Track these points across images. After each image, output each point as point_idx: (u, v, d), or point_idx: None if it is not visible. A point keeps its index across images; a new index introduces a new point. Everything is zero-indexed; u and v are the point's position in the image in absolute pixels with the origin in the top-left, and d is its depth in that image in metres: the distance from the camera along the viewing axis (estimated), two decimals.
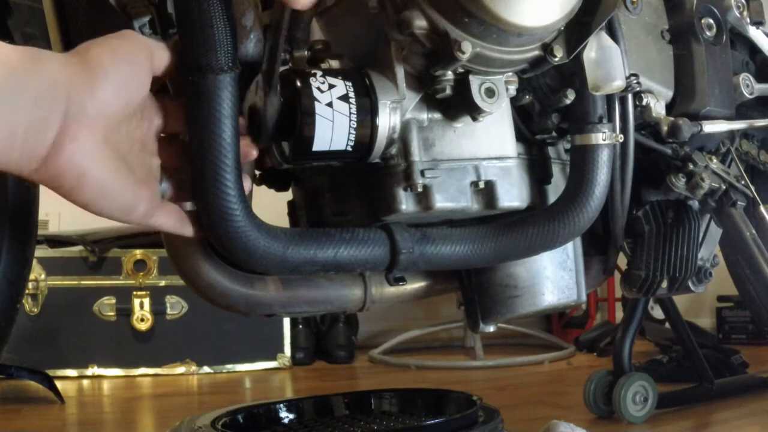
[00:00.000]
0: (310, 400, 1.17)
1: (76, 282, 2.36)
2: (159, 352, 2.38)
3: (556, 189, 0.91)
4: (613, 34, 0.89)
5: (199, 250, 0.78)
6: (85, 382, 2.24)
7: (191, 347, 2.40)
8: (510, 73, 0.80)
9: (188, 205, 0.70)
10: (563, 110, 0.90)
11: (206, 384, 2.23)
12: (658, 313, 2.51)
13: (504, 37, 0.75)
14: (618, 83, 0.84)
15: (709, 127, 1.06)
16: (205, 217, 0.69)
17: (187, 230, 0.70)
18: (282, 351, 2.48)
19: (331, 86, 0.73)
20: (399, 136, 0.78)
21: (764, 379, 1.77)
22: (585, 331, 2.86)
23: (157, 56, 0.64)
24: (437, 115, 0.82)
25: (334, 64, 0.79)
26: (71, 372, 2.29)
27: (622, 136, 0.91)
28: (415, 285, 0.95)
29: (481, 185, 0.83)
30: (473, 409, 1.05)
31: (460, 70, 0.77)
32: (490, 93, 0.79)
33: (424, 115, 0.81)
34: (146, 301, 2.38)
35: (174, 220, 0.69)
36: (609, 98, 0.91)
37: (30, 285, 2.26)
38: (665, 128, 1.02)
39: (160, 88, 0.67)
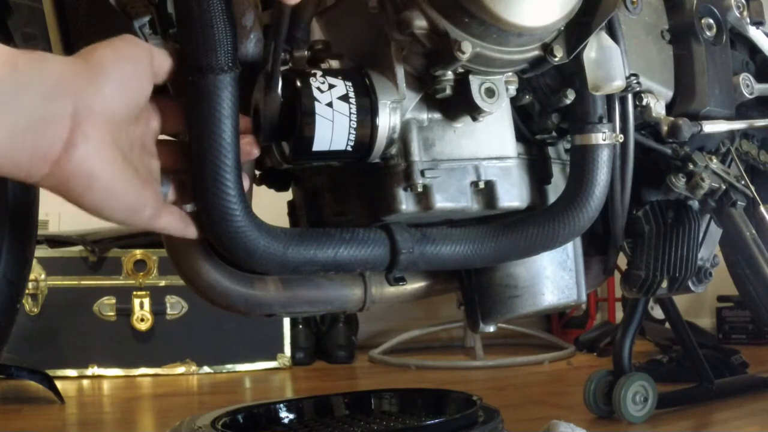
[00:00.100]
0: (310, 400, 1.17)
1: (76, 282, 2.36)
2: (159, 352, 2.38)
3: (556, 189, 0.91)
4: (613, 34, 0.89)
5: (199, 250, 0.78)
6: (85, 382, 2.24)
7: (191, 347, 2.40)
8: (510, 73, 0.80)
9: (188, 207, 0.70)
10: (563, 110, 0.90)
11: (206, 384, 2.23)
12: (658, 313, 2.51)
13: (504, 37, 0.75)
14: (618, 83, 0.84)
15: (709, 127, 1.06)
16: (205, 217, 0.69)
17: (191, 232, 0.70)
18: (282, 351, 2.48)
19: (331, 86, 0.73)
20: (399, 136, 0.78)
21: (764, 379, 1.77)
22: (585, 331, 2.86)
23: (158, 59, 0.64)
24: (437, 115, 0.82)
25: (334, 64, 0.79)
26: (71, 372, 2.29)
27: (622, 136, 0.91)
28: (415, 285, 0.95)
29: (481, 185, 0.83)
30: (473, 409, 1.05)
31: (460, 70, 0.77)
32: (490, 93, 0.79)
33: (424, 115, 0.81)
34: (146, 301, 2.38)
35: (177, 222, 0.69)
36: (609, 98, 0.91)
37: (30, 285, 2.26)
38: (665, 128, 1.02)
39: (158, 89, 0.67)
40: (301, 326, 2.57)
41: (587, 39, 0.80)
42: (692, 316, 2.91)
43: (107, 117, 0.58)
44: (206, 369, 2.39)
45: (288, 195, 0.97)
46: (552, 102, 0.89)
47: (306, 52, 0.80)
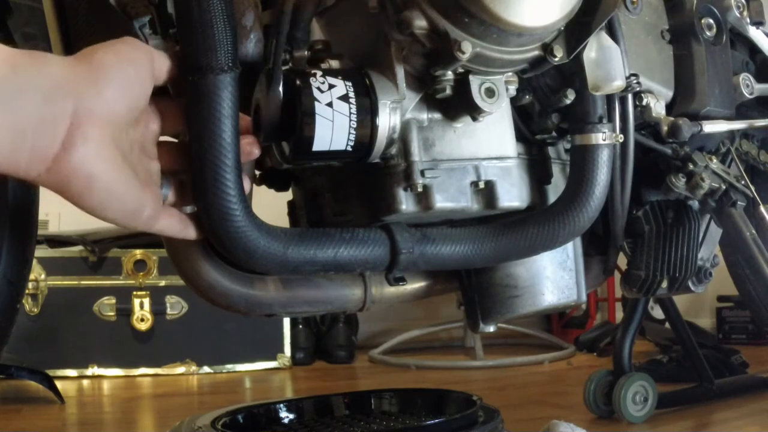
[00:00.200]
0: (310, 400, 1.17)
1: (76, 282, 2.36)
2: (159, 352, 2.38)
3: (556, 189, 0.91)
4: (613, 34, 0.89)
5: (199, 250, 0.78)
6: (85, 382, 2.24)
7: (191, 347, 2.40)
8: (510, 73, 0.80)
9: (188, 208, 0.70)
10: (563, 110, 0.90)
11: (206, 384, 2.23)
12: (658, 313, 2.51)
13: (504, 37, 0.75)
14: (618, 83, 0.84)
15: (709, 127, 1.06)
16: (205, 218, 0.69)
17: (190, 233, 0.70)
18: (282, 351, 2.48)
19: (331, 86, 0.73)
20: (399, 136, 0.78)
21: (764, 379, 1.77)
22: (585, 331, 2.86)
23: (158, 62, 0.64)
24: (437, 115, 0.82)
25: (334, 64, 0.79)
26: (71, 372, 2.29)
27: (622, 136, 0.91)
28: (415, 285, 0.95)
29: (481, 185, 0.83)
30: (473, 409, 1.05)
31: (460, 70, 0.77)
32: (490, 93, 0.79)
33: (424, 115, 0.81)
34: (146, 301, 2.38)
35: (176, 224, 0.69)
36: (609, 98, 0.91)
37: (30, 285, 2.26)
38: (665, 128, 1.02)
39: (159, 90, 0.67)
40: (301, 326, 2.57)
41: (587, 39, 0.80)
42: (692, 316, 2.91)
43: (108, 119, 0.58)
44: (206, 369, 2.39)
45: (288, 195, 0.97)
46: (552, 102, 0.89)
47: (306, 52, 0.80)
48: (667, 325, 2.02)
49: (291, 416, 1.13)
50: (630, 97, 0.95)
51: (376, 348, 2.69)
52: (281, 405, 1.14)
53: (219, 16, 0.65)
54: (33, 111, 0.54)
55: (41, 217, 1.37)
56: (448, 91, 0.79)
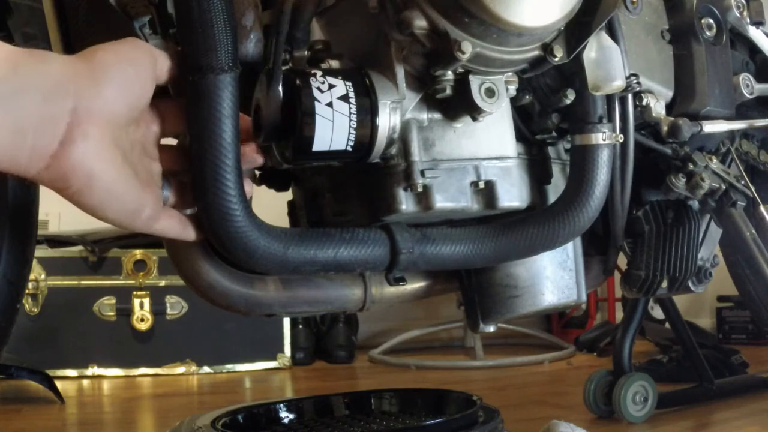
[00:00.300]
0: (310, 400, 1.17)
1: (76, 282, 2.36)
2: (159, 352, 2.38)
3: (556, 189, 0.91)
4: (613, 34, 0.89)
5: (199, 250, 0.78)
6: (85, 382, 2.24)
7: (191, 347, 2.40)
8: (510, 73, 0.80)
9: (188, 210, 0.70)
10: (563, 110, 0.90)
11: (206, 384, 2.23)
12: (658, 313, 2.51)
13: (504, 37, 0.75)
14: (618, 83, 0.84)
15: (709, 127, 1.06)
16: (205, 218, 0.69)
17: (190, 234, 0.70)
18: (282, 351, 2.48)
19: (331, 86, 0.73)
20: (399, 136, 0.78)
21: (764, 379, 1.77)
22: (585, 331, 2.86)
23: (160, 62, 0.64)
24: (437, 115, 0.82)
25: (334, 64, 0.79)
26: (71, 372, 2.29)
27: (622, 136, 0.91)
28: (415, 285, 0.95)
29: (481, 185, 0.83)
30: (473, 409, 1.05)
31: (460, 70, 0.77)
32: (490, 93, 0.79)
33: (424, 115, 0.81)
34: (146, 301, 2.39)
35: (176, 225, 0.69)
36: (609, 98, 0.91)
37: (30, 285, 2.26)
38: (665, 128, 1.02)
39: (159, 91, 0.67)
40: (301, 326, 2.57)
41: (587, 39, 0.80)
42: (692, 316, 2.91)
43: (108, 118, 0.58)
44: (206, 369, 2.39)
45: (288, 195, 0.97)
46: (552, 102, 0.89)
47: (306, 52, 0.80)
48: (667, 325, 2.02)
49: (291, 416, 1.13)
50: (630, 97, 0.94)
51: (376, 348, 2.69)
52: (281, 405, 1.14)
53: (219, 16, 0.65)
54: (34, 109, 0.54)
55: (41, 217, 1.37)
56: (448, 91, 0.79)
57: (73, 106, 0.56)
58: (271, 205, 1.05)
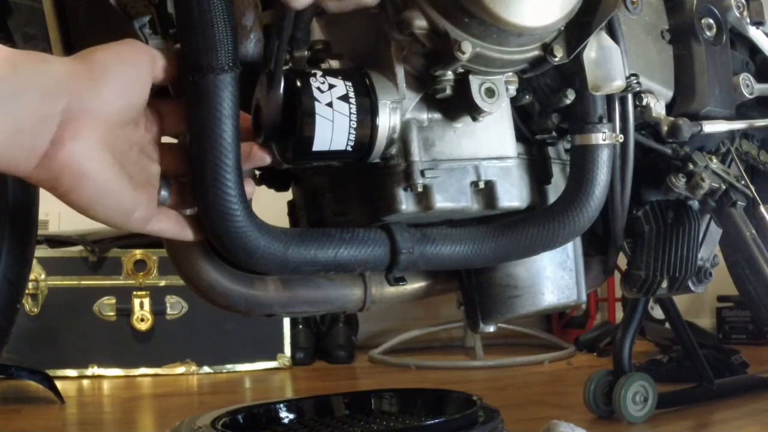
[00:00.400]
0: (310, 400, 1.17)
1: (76, 282, 2.36)
2: (159, 352, 2.38)
3: (556, 189, 0.91)
4: (613, 34, 0.89)
5: (199, 250, 0.78)
6: (85, 382, 2.24)
7: (191, 347, 2.40)
8: (510, 73, 0.80)
9: (188, 211, 0.70)
10: (563, 110, 0.90)
11: (206, 384, 2.23)
12: (658, 313, 2.51)
13: (504, 37, 0.75)
14: (618, 83, 0.84)
15: (709, 127, 1.06)
16: (205, 218, 0.69)
17: (187, 234, 0.70)
18: (282, 351, 2.48)
19: (331, 86, 0.73)
20: (399, 136, 0.78)
21: (764, 379, 1.77)
22: (585, 331, 2.86)
23: (159, 63, 0.64)
24: (437, 115, 0.82)
25: (334, 64, 0.79)
26: (71, 372, 2.29)
27: (622, 136, 0.91)
28: (415, 285, 0.95)
29: (481, 185, 0.83)
30: (473, 409, 1.05)
31: (460, 70, 0.77)
32: (490, 93, 0.78)
33: (424, 115, 0.81)
34: (146, 301, 2.39)
35: (173, 225, 0.69)
36: (609, 98, 0.91)
37: (30, 285, 2.26)
38: (665, 128, 1.02)
39: (158, 90, 0.67)
40: (301, 326, 2.57)
41: (587, 39, 0.80)
42: (692, 316, 2.91)
43: (102, 118, 0.58)
44: (206, 369, 2.39)
45: (288, 195, 0.97)
46: (552, 102, 0.89)
47: (306, 52, 0.80)
48: (667, 325, 2.02)
49: (291, 416, 1.13)
50: (630, 97, 0.95)
51: (376, 348, 2.69)
52: (281, 405, 1.14)
53: (219, 16, 0.65)
54: (31, 109, 0.54)
55: (41, 217, 1.37)
56: (448, 91, 0.79)
57: (66, 106, 0.56)
58: (271, 205, 1.05)
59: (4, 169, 0.56)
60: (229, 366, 2.42)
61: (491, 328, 0.96)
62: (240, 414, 1.09)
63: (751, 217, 1.13)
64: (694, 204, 1.11)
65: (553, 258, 0.93)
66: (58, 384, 1.89)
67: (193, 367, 2.38)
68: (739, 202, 1.09)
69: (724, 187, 1.08)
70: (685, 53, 1.07)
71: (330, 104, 0.72)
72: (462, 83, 0.78)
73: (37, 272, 2.31)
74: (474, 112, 0.79)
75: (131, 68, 0.61)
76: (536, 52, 0.79)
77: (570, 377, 2.20)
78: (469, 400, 1.10)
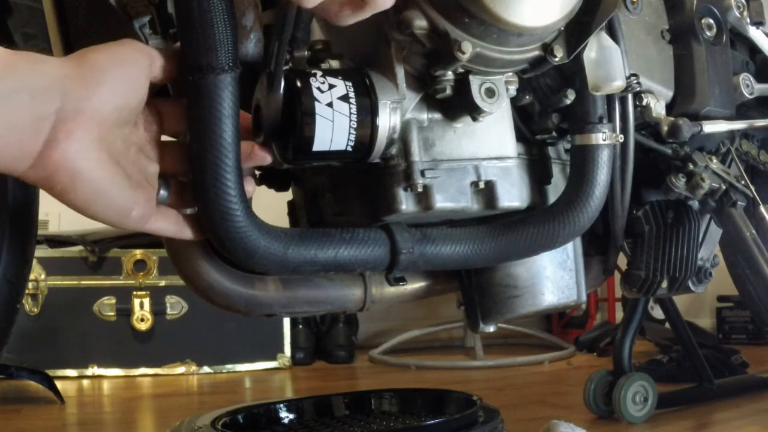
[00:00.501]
0: (310, 400, 1.17)
1: (76, 282, 2.36)
2: (159, 352, 2.38)
3: (556, 189, 0.91)
4: (613, 34, 0.89)
5: (199, 250, 0.78)
6: (85, 382, 2.24)
7: (191, 347, 2.40)
8: (510, 73, 0.80)
9: (188, 210, 0.70)
10: (563, 110, 0.90)
11: (206, 384, 2.23)
12: (658, 313, 2.51)
13: (504, 37, 0.75)
14: (618, 83, 0.84)
15: (709, 127, 1.06)
16: (205, 218, 0.69)
17: (186, 234, 0.70)
18: (282, 351, 2.48)
19: (331, 86, 0.72)
20: (399, 136, 0.78)
21: (764, 379, 1.77)
22: (585, 331, 2.86)
23: (157, 62, 0.64)
24: (437, 115, 0.82)
25: (334, 64, 0.79)
26: (71, 372, 2.29)
27: (622, 136, 0.91)
28: (415, 285, 0.95)
29: (481, 185, 0.83)
30: (473, 409, 1.05)
31: (460, 70, 0.77)
32: (490, 93, 0.79)
33: (424, 115, 0.81)
34: (146, 301, 2.38)
35: (172, 224, 0.69)
36: (609, 98, 0.91)
37: (30, 285, 2.26)
38: (665, 128, 1.02)
39: (158, 90, 0.67)
40: (301, 326, 2.57)
41: (587, 39, 0.80)
42: (692, 316, 2.91)
43: (98, 119, 0.58)
44: (206, 369, 2.39)
45: (288, 195, 0.97)
46: (552, 102, 0.89)
47: (306, 52, 0.80)
48: (667, 325, 2.02)
49: (291, 416, 1.13)
50: (630, 97, 0.95)
51: (376, 348, 2.69)
52: (281, 405, 1.14)
53: (219, 16, 0.65)
54: (25, 110, 0.55)
55: (41, 217, 1.37)
56: (448, 91, 0.79)
57: (60, 106, 0.56)
58: (271, 205, 1.05)
59: None
60: (229, 366, 2.42)
61: (491, 328, 0.96)
62: (240, 414, 1.09)
63: (751, 217, 1.13)
64: (694, 204, 1.11)
65: (553, 258, 0.93)
66: (58, 384, 1.89)
67: (193, 367, 2.38)
68: (739, 202, 1.09)
69: (724, 187, 1.08)
70: (685, 53, 1.07)
71: (330, 104, 0.72)
72: (462, 83, 0.78)
73: (37, 272, 2.31)
74: (474, 112, 0.79)
75: (126, 68, 0.61)
76: (536, 52, 0.79)
77: (570, 377, 2.20)
78: (469, 400, 1.10)
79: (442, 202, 0.81)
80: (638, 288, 1.10)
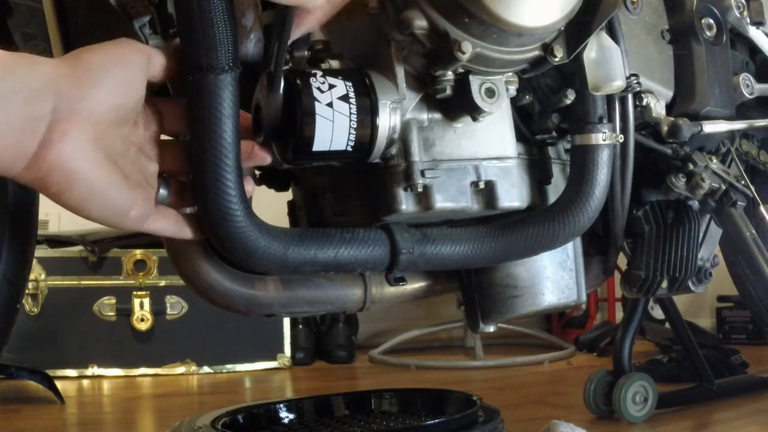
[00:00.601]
0: (310, 400, 1.17)
1: (76, 282, 2.36)
2: (159, 352, 2.38)
3: (556, 189, 0.91)
4: (613, 34, 0.89)
5: (199, 250, 0.78)
6: (85, 382, 2.24)
7: (191, 347, 2.40)
8: (510, 73, 0.80)
9: (188, 209, 0.70)
10: (563, 110, 0.90)
11: (206, 384, 2.23)
12: (658, 313, 2.51)
13: (504, 37, 0.75)
14: (618, 83, 0.84)
15: (709, 127, 1.06)
16: (205, 218, 0.69)
17: (186, 233, 0.70)
18: (282, 351, 2.48)
19: (331, 86, 0.73)
20: (399, 136, 0.78)
21: (764, 379, 1.77)
22: (585, 331, 2.86)
23: (155, 61, 0.64)
24: (437, 115, 0.82)
25: (334, 64, 0.79)
26: (71, 372, 2.29)
27: (622, 136, 0.91)
28: (415, 285, 0.95)
29: (481, 185, 0.83)
30: (473, 409, 1.05)
31: (461, 70, 0.77)
32: (490, 93, 0.79)
33: (424, 115, 0.81)
34: (146, 301, 2.39)
35: (171, 224, 0.69)
36: (609, 98, 0.91)
37: (30, 285, 2.26)
38: (665, 128, 1.02)
39: (158, 90, 0.67)
40: (301, 326, 2.57)
41: (587, 39, 0.80)
42: (692, 316, 2.91)
43: (94, 119, 0.58)
44: (206, 369, 2.39)
45: (288, 195, 0.97)
46: (552, 102, 0.89)
47: (306, 52, 0.80)
48: (667, 325, 2.02)
49: (291, 416, 1.13)
50: (630, 97, 0.95)
51: (376, 348, 2.69)
52: (281, 405, 1.14)
53: (219, 16, 0.65)
54: (19, 111, 0.55)
55: (41, 217, 1.37)
56: (448, 91, 0.79)
57: (55, 107, 0.56)
58: (271, 205, 1.05)
59: None
60: (229, 366, 2.42)
61: (491, 328, 0.96)
62: (240, 414, 1.09)
63: (751, 217, 1.13)
64: (694, 204, 1.11)
65: (553, 258, 0.93)
66: (58, 384, 1.89)
67: (193, 367, 2.38)
68: (739, 202, 1.09)
69: (724, 187, 1.08)
70: (685, 53, 1.07)
71: (330, 104, 0.72)
72: (462, 83, 0.78)
73: (37, 272, 2.31)
74: (474, 112, 0.79)
75: (122, 68, 0.61)
76: (536, 52, 0.79)
77: (570, 377, 2.20)
78: (469, 400, 1.10)
79: (442, 202, 0.81)
80: (638, 288, 1.10)
